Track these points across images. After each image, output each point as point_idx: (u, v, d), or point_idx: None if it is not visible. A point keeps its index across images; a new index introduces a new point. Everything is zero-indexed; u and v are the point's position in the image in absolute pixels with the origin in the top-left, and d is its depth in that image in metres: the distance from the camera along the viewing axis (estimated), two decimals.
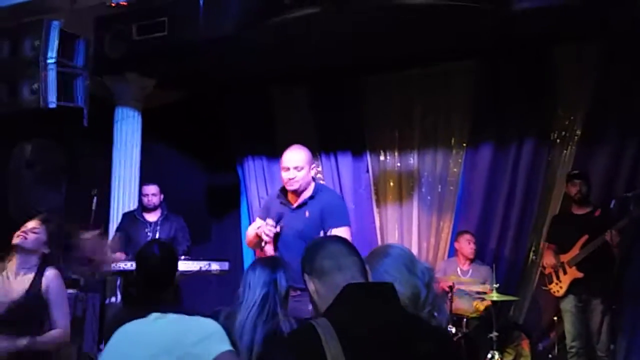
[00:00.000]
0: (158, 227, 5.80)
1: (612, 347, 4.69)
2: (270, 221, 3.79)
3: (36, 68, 4.64)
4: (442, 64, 5.96)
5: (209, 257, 5.26)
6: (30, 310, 3.17)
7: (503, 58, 5.66)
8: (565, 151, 5.53)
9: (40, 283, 3.22)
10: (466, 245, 5.58)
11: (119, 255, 5.44)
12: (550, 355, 5.30)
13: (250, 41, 5.07)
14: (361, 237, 5.97)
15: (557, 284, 5.01)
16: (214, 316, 2.47)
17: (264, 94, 6.73)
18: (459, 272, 5.55)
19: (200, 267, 4.99)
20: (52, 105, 4.66)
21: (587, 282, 4.83)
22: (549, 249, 5.20)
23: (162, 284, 2.59)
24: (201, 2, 4.84)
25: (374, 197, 6.34)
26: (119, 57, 5.24)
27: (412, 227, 6.13)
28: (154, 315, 2.35)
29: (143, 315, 2.37)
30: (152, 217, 5.82)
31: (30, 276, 3.24)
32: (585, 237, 4.88)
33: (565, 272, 4.96)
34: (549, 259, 5.10)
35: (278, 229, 3.82)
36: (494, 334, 4.79)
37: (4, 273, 3.26)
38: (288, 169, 3.87)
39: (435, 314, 2.10)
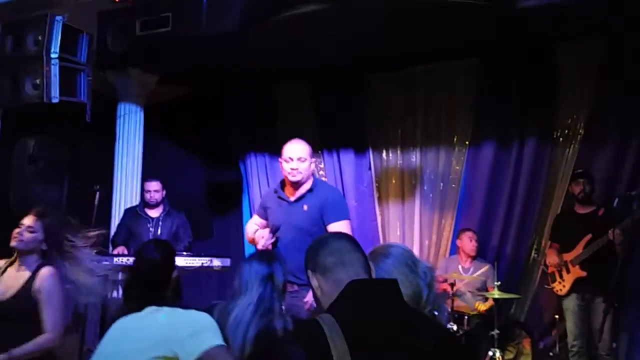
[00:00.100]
0: (160, 223, 5.80)
1: (614, 346, 4.69)
2: (265, 234, 3.80)
3: (39, 63, 4.64)
4: (445, 62, 5.96)
5: (210, 253, 5.27)
6: (20, 310, 3.07)
7: (506, 56, 5.66)
8: (567, 150, 5.53)
9: (33, 282, 3.11)
10: (468, 242, 5.58)
11: (121, 249, 5.46)
12: (551, 354, 5.30)
13: (253, 38, 5.07)
14: (363, 235, 5.98)
15: (560, 282, 5.01)
16: (209, 310, 2.49)
17: (267, 90, 6.73)
18: (461, 269, 5.55)
19: (202, 263, 5.00)
20: (55, 100, 4.65)
21: (590, 281, 4.82)
22: (552, 248, 5.19)
23: (162, 283, 2.60)
24: None
25: (376, 195, 6.34)
26: (122, 52, 5.22)
27: (414, 224, 6.13)
28: (149, 308, 2.41)
29: (140, 309, 2.41)
30: (154, 212, 5.83)
31: (27, 274, 3.16)
32: (589, 236, 4.87)
33: (568, 271, 4.96)
34: (552, 258, 5.09)
35: (274, 239, 3.82)
36: (495, 331, 4.80)
37: (9, 270, 3.22)
38: (291, 159, 3.88)
39: (436, 312, 2.11)
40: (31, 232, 3.20)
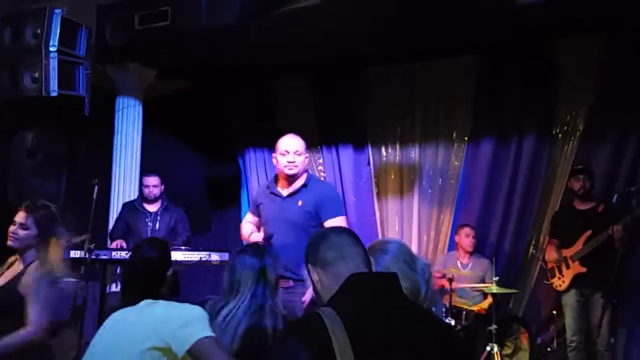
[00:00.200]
0: (158, 218, 5.80)
1: (612, 341, 4.70)
2: (259, 239, 3.79)
3: (38, 56, 4.62)
4: (444, 58, 5.96)
5: (209, 247, 5.27)
6: (5, 302, 3.04)
7: (505, 52, 5.66)
8: (567, 146, 5.53)
9: (22, 276, 3.08)
10: (464, 238, 5.59)
11: (119, 243, 5.45)
12: (549, 349, 5.32)
13: (253, 32, 5.06)
14: (361, 230, 5.98)
15: (559, 278, 5.01)
16: (201, 305, 2.51)
17: (266, 85, 6.72)
18: (459, 265, 5.56)
19: (201, 258, 4.99)
20: (54, 94, 4.64)
21: (590, 277, 4.81)
22: (552, 244, 5.19)
23: (157, 281, 2.62)
24: None
25: (374, 190, 6.34)
26: (121, 46, 5.22)
27: (413, 220, 6.14)
28: (145, 302, 2.46)
29: (135, 303, 2.46)
30: (152, 207, 5.82)
31: (21, 268, 3.15)
32: (589, 232, 4.86)
33: (568, 267, 4.96)
34: (551, 254, 5.09)
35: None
36: (493, 326, 4.80)
37: (16, 264, 3.22)
38: (288, 152, 3.87)
39: (433, 308, 2.12)
40: (24, 229, 3.18)
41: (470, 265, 5.56)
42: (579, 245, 4.92)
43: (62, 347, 4.36)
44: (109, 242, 5.64)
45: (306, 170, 4.01)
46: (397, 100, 6.24)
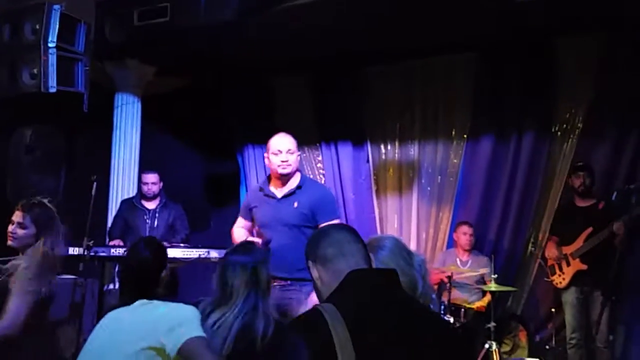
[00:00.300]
0: (157, 215, 5.79)
1: (610, 338, 4.71)
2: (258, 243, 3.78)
3: (37, 52, 4.59)
4: (444, 55, 5.96)
5: (208, 244, 5.25)
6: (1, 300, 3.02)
7: (504, 50, 5.65)
8: (566, 144, 5.53)
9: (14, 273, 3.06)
10: (462, 236, 5.59)
11: (117, 242, 5.44)
12: (547, 347, 5.33)
13: (252, 29, 5.05)
14: (360, 227, 5.92)
15: (559, 275, 5.00)
16: (196, 305, 2.49)
17: (265, 82, 6.72)
18: (458, 262, 5.56)
19: (199, 255, 4.98)
20: (52, 90, 4.61)
21: (591, 274, 4.81)
22: (552, 241, 5.19)
23: (151, 281, 2.62)
24: None
25: (373, 188, 6.34)
26: (119, 42, 5.20)
27: (412, 217, 6.14)
28: (139, 302, 2.47)
29: (130, 302, 2.47)
30: (150, 204, 5.81)
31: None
32: (590, 229, 4.85)
33: (568, 264, 4.95)
34: (551, 251, 5.09)
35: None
36: (492, 324, 4.80)
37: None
38: (280, 152, 3.86)
39: (432, 306, 2.12)
40: (22, 228, 3.18)
41: (469, 262, 5.56)
42: (579, 243, 4.92)
43: (63, 341, 4.35)
44: (107, 239, 5.63)
45: (298, 170, 4.01)
46: (396, 98, 6.24)
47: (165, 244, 5.18)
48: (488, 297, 5.22)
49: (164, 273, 2.66)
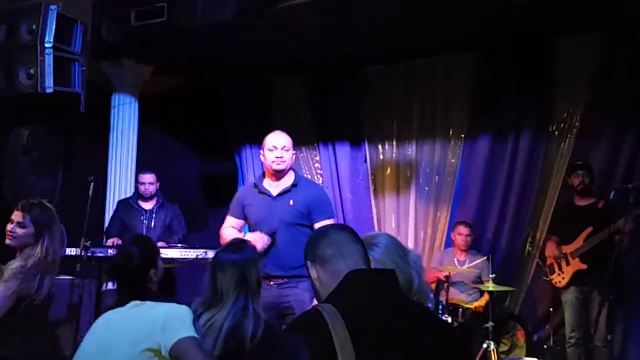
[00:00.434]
0: (154, 215, 5.77)
1: (609, 338, 4.70)
2: (265, 237, 3.76)
3: (33, 53, 4.59)
4: (441, 55, 5.96)
5: (205, 245, 5.25)
6: None
7: (502, 50, 5.65)
8: (563, 144, 5.53)
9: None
10: (458, 237, 5.60)
11: (115, 241, 5.43)
12: (545, 346, 5.33)
13: (249, 28, 5.05)
14: (358, 227, 5.88)
15: (559, 275, 4.98)
16: (189, 306, 2.49)
17: (263, 82, 6.71)
18: (456, 262, 5.56)
19: (197, 256, 4.97)
20: (49, 91, 4.61)
21: (591, 274, 4.79)
22: (552, 240, 5.17)
23: (142, 277, 2.62)
24: None
25: (371, 188, 6.35)
26: (117, 43, 5.20)
27: (410, 217, 6.14)
28: (132, 303, 2.46)
29: (124, 303, 2.47)
30: (148, 205, 5.79)
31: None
32: (590, 229, 4.83)
33: (568, 264, 4.93)
34: (551, 250, 5.08)
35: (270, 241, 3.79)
36: (490, 324, 4.80)
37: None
38: (276, 148, 3.88)
39: (430, 305, 2.12)
40: (22, 227, 3.19)
41: (467, 262, 5.56)
42: (579, 242, 4.89)
43: (59, 344, 4.34)
44: (104, 239, 5.62)
45: (293, 169, 4.01)
46: (394, 98, 6.24)
47: (163, 244, 5.24)
48: (486, 297, 5.21)
49: (153, 271, 2.64)
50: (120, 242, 5.40)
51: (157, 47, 5.65)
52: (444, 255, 5.73)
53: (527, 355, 5.19)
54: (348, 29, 5.19)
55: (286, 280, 3.74)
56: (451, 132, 6.00)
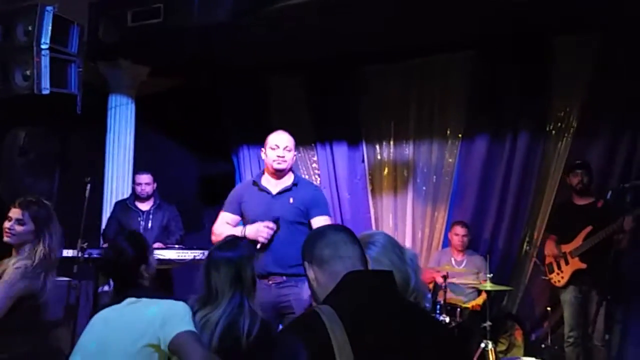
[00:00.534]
0: (151, 216, 5.77)
1: (607, 337, 4.70)
2: (270, 224, 3.75)
3: (29, 54, 4.57)
4: (439, 55, 5.95)
5: (202, 246, 5.23)
6: None
7: (501, 49, 5.65)
8: (560, 143, 5.53)
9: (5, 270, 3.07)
10: (454, 237, 5.60)
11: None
12: (543, 345, 5.33)
13: (245, 29, 5.04)
14: (356, 227, 5.89)
15: (558, 274, 4.98)
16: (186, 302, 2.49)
17: (260, 82, 6.70)
18: (453, 262, 5.56)
19: (194, 256, 4.96)
20: (45, 92, 4.59)
21: (590, 273, 4.78)
22: (550, 239, 5.16)
23: (133, 273, 2.61)
24: None
25: (369, 187, 6.34)
26: (113, 43, 5.19)
27: (407, 217, 6.14)
28: (128, 300, 2.46)
29: (119, 301, 2.46)
30: (144, 205, 5.79)
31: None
32: (589, 228, 4.82)
33: (567, 263, 4.92)
34: (550, 249, 5.07)
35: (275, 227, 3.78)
36: (488, 323, 4.80)
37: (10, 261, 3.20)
38: (278, 147, 3.88)
39: (428, 305, 2.12)
40: (21, 224, 3.17)
41: (464, 262, 5.57)
42: (578, 241, 4.88)
43: (56, 346, 4.34)
44: (102, 241, 5.61)
45: (292, 170, 4.01)
46: (391, 98, 6.24)
47: (160, 245, 5.23)
48: (483, 297, 5.22)
49: (144, 266, 2.63)
50: None
51: (153, 48, 5.64)
52: (441, 254, 5.73)
53: (525, 355, 5.20)
54: (345, 29, 5.18)
55: (285, 278, 3.73)
56: (448, 132, 6.00)
